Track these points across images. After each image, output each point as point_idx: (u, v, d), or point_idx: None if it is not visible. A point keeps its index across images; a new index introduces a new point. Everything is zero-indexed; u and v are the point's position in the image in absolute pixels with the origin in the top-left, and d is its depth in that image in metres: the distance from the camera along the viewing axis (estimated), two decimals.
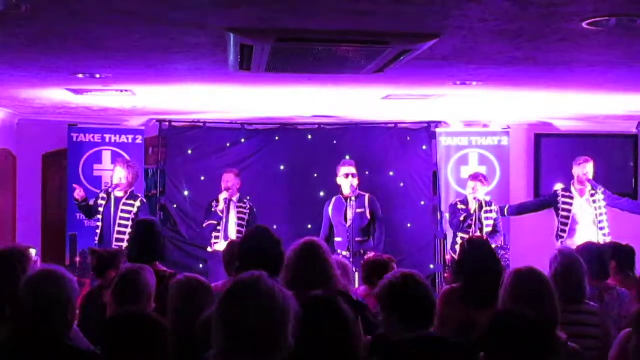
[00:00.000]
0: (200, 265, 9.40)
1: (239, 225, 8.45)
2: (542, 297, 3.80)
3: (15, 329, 3.36)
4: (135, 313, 3.30)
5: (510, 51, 5.19)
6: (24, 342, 3.27)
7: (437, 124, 10.19)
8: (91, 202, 8.42)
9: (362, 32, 4.51)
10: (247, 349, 2.48)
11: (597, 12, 4.04)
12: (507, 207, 9.19)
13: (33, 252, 5.94)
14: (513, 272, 3.96)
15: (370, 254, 7.89)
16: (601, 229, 8.54)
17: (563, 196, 8.66)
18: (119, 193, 8.24)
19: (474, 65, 5.80)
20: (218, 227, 8.48)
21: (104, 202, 8.25)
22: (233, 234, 8.34)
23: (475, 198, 8.47)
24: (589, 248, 5.77)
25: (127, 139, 9.75)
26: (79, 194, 8.33)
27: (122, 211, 8.18)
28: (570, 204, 8.59)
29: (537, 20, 4.27)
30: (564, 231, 8.57)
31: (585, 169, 8.57)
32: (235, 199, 8.59)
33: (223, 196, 8.46)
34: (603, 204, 8.59)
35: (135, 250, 5.59)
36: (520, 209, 9.34)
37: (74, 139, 9.56)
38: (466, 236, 8.29)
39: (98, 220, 8.30)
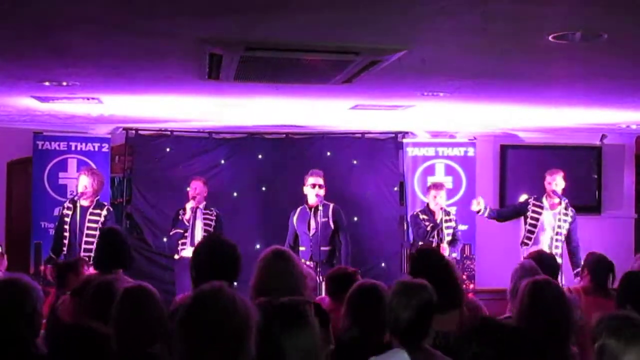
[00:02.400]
0: (167, 274, 9.33)
1: (205, 232, 8.42)
2: (562, 311, 3.78)
3: None
4: (79, 325, 3.27)
5: (478, 64, 5.23)
6: None
7: (404, 134, 10.22)
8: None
9: (331, 43, 4.53)
10: (210, 357, 2.47)
11: (563, 26, 4.09)
12: (488, 209, 8.95)
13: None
14: (533, 282, 3.90)
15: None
16: (556, 247, 8.54)
17: (533, 205, 8.68)
18: (84, 202, 8.16)
19: (441, 77, 5.84)
20: (185, 235, 8.46)
21: (70, 212, 8.17)
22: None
23: (441, 208, 8.53)
24: (540, 257, 5.83)
25: (93, 147, 9.67)
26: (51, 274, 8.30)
27: (89, 221, 8.11)
28: (540, 213, 8.61)
29: (504, 34, 4.31)
30: (529, 238, 8.61)
31: (555, 180, 8.59)
32: (202, 206, 8.57)
33: (189, 205, 8.45)
34: (567, 225, 8.56)
35: (101, 259, 5.59)
36: (500, 215, 9.15)
37: (40, 147, 9.45)
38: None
39: (65, 230, 8.20)
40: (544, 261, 5.57)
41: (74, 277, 5.63)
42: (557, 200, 8.52)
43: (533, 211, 8.64)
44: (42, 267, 8.39)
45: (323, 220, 8.28)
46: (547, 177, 8.65)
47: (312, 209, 8.31)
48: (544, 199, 8.67)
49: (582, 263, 6.13)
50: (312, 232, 8.27)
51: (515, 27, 4.13)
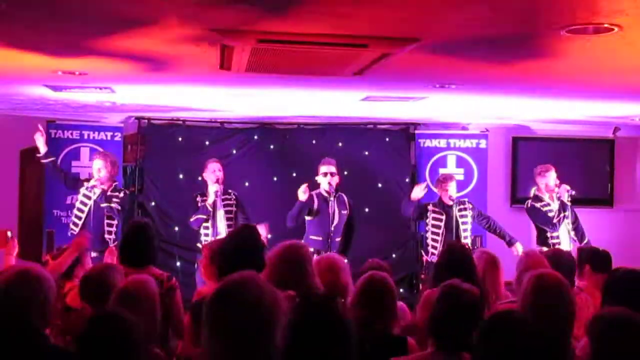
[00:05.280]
0: (178, 264, 9.37)
1: (227, 219, 8.14)
2: (565, 307, 3.76)
3: None
4: (110, 313, 3.29)
5: (489, 56, 5.23)
6: (2, 340, 3.25)
7: (416, 125, 10.21)
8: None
9: (341, 35, 4.53)
10: (234, 350, 2.47)
11: (576, 19, 4.08)
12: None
13: (9, 233, 5.88)
14: (536, 276, 3.86)
15: None
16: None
17: (542, 206, 8.47)
18: (101, 188, 8.00)
19: (452, 69, 5.84)
20: (206, 222, 8.12)
21: (85, 206, 8.07)
22: (223, 228, 8.03)
23: (453, 200, 8.47)
24: (558, 256, 5.82)
25: (106, 136, 9.71)
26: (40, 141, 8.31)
27: (107, 208, 7.97)
28: (552, 211, 8.44)
29: (515, 27, 4.31)
30: (555, 237, 8.38)
31: (551, 178, 8.47)
32: (220, 191, 8.21)
33: (214, 189, 8.08)
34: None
35: (128, 255, 5.34)
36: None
37: (52, 135, 9.47)
38: (437, 238, 8.36)
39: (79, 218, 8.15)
40: (561, 259, 5.58)
41: (80, 267, 5.59)
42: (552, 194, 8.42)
43: (548, 211, 8.44)
44: None
45: (343, 212, 8.23)
46: (541, 180, 8.50)
47: (330, 196, 8.13)
48: (545, 197, 8.51)
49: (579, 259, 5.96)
50: (335, 222, 8.15)
51: (526, 19, 4.14)
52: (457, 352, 3.46)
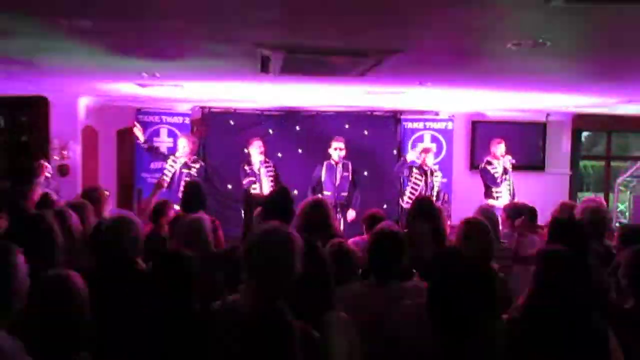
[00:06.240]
0: (228, 211, 9.43)
1: (270, 181, 8.09)
2: (485, 237, 3.79)
3: (98, 259, 3.41)
4: (172, 250, 3.25)
5: (455, 62, 5.22)
6: (107, 269, 3.31)
7: (402, 112, 10.18)
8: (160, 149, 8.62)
9: (348, 48, 4.54)
10: (271, 273, 2.52)
11: (518, 36, 4.08)
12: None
13: (107, 192, 5.83)
14: (465, 221, 3.90)
15: (352, 212, 8.12)
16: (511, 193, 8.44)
17: (491, 168, 8.41)
18: (184, 159, 7.93)
19: (429, 72, 5.84)
20: (254, 184, 8.07)
21: (172, 168, 7.94)
22: (267, 188, 7.97)
23: (428, 167, 8.51)
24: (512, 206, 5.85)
25: (178, 119, 9.74)
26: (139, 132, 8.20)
27: (188, 174, 7.81)
28: (498, 172, 8.45)
29: (474, 41, 4.31)
30: (498, 192, 8.39)
31: (501, 148, 8.45)
32: (263, 161, 8.19)
33: (259, 159, 8.08)
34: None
35: (185, 203, 5.50)
36: None
37: (140, 119, 9.51)
38: (415, 192, 8.39)
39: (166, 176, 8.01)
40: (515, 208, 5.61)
41: (163, 218, 5.61)
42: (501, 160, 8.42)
43: (495, 172, 8.44)
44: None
45: (345, 174, 8.31)
46: (494, 148, 8.47)
47: (337, 165, 8.29)
48: (495, 161, 8.42)
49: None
50: (337, 182, 8.25)
51: (481, 35, 4.13)
52: (390, 280, 3.26)
